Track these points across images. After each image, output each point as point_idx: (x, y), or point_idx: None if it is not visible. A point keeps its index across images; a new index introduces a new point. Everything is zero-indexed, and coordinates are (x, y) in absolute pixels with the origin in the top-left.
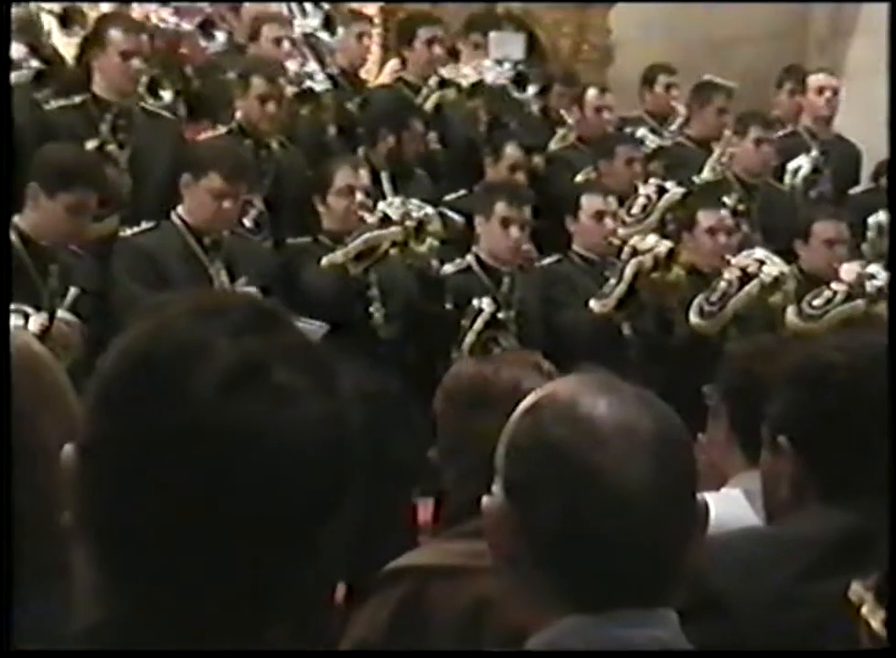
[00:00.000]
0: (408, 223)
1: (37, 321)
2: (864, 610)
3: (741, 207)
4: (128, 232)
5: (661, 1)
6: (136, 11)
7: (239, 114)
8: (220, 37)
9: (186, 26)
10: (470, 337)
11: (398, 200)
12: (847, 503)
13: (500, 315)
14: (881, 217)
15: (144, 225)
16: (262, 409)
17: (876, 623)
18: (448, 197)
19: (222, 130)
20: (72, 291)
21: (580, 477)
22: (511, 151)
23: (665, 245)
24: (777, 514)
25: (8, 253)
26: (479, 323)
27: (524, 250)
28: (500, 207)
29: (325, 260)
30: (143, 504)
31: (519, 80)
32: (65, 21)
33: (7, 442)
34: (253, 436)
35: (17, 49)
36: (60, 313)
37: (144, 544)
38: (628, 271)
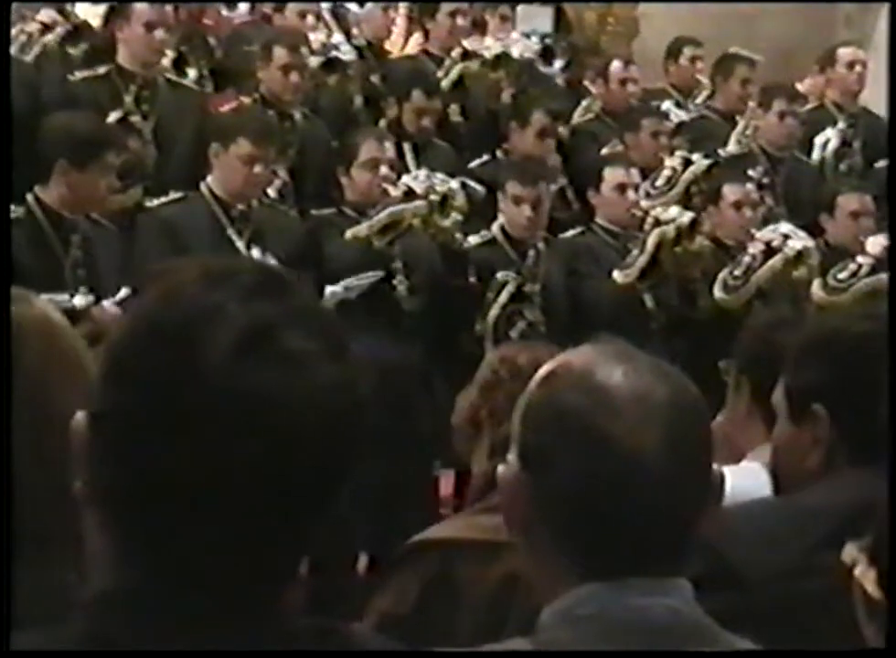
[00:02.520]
0: (432, 197)
1: (83, 300)
2: (857, 571)
3: (765, 181)
4: (154, 203)
5: None
6: None
7: (262, 85)
8: (243, 6)
9: None
10: (494, 310)
11: (422, 173)
12: (875, 468)
13: (525, 288)
14: None
15: (172, 195)
16: (273, 374)
17: (869, 585)
18: (472, 164)
19: (246, 100)
20: (124, 290)
21: (594, 445)
22: (539, 116)
23: (688, 215)
24: (793, 484)
25: (8, 250)
26: (504, 297)
27: (541, 222)
28: (511, 186)
29: (349, 233)
30: (153, 471)
31: (546, 54)
32: None
33: (7, 442)
34: (264, 401)
35: (47, 14)
36: (107, 304)
37: (154, 511)
38: (650, 242)
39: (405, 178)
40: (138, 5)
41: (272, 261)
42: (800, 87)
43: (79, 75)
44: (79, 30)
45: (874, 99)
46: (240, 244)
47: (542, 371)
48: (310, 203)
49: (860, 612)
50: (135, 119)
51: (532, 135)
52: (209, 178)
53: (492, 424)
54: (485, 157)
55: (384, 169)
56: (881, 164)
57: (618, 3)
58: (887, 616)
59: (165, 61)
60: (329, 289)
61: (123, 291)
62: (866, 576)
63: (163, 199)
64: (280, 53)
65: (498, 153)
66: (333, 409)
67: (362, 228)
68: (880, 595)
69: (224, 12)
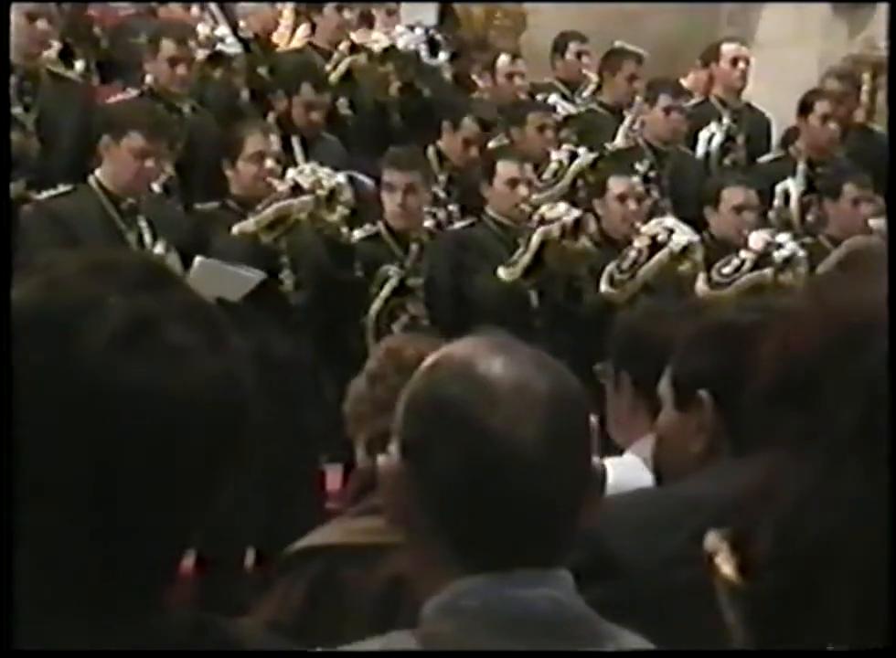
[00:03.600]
0: (319, 192)
1: None
2: (718, 558)
3: (651, 174)
4: (42, 195)
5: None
6: None
7: (149, 77)
8: None
9: None
10: (377, 304)
11: (308, 168)
12: (756, 457)
13: (409, 282)
14: (788, 184)
15: (61, 188)
16: (154, 367)
17: (729, 570)
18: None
19: (133, 93)
20: None
21: (473, 435)
22: (469, 123)
23: (573, 214)
24: (675, 474)
25: (8, 246)
26: (386, 290)
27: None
28: (386, 173)
29: (235, 229)
30: (33, 464)
31: (432, 46)
32: None
33: (8, 441)
34: (145, 393)
35: None
36: None
37: (34, 503)
38: (534, 240)
39: (292, 173)
40: None
41: (174, 255)
42: (684, 82)
43: None
44: None
45: (757, 94)
46: (130, 237)
47: (425, 363)
48: (196, 197)
49: (722, 599)
50: (17, 111)
51: (460, 141)
52: (98, 171)
53: (373, 416)
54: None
55: (270, 162)
56: (764, 158)
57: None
58: (887, 616)
59: (52, 52)
60: (198, 259)
61: None
62: (727, 562)
63: (51, 192)
64: (167, 45)
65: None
66: (215, 402)
67: (249, 224)
68: (739, 580)
69: (110, 3)
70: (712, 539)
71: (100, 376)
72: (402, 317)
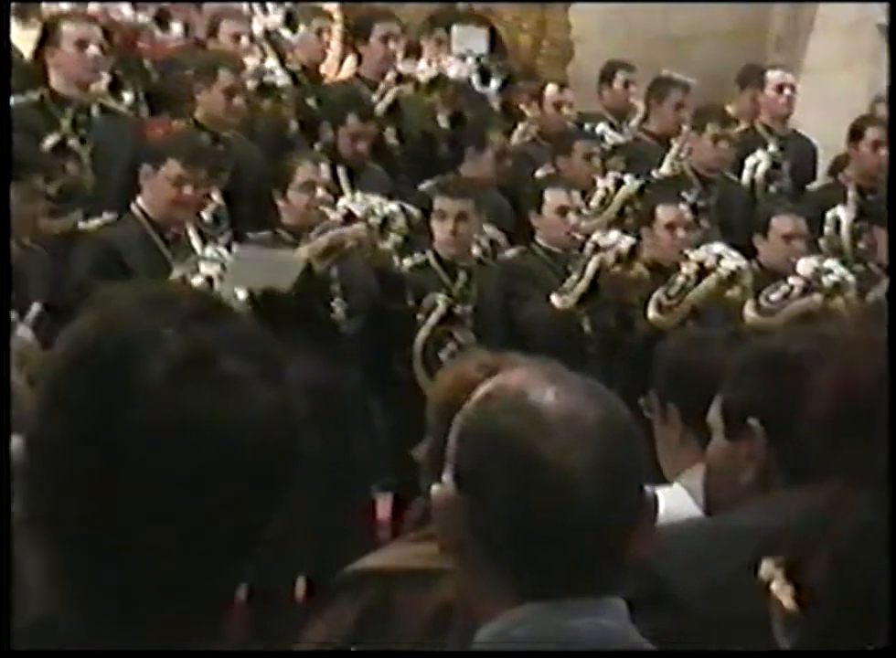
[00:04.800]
0: (372, 220)
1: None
2: (774, 586)
3: (700, 203)
4: (89, 225)
5: (621, 1)
6: (92, 7)
7: (200, 109)
8: (176, 28)
9: (143, 18)
10: (424, 332)
11: (361, 197)
12: (811, 486)
13: (456, 310)
14: (838, 211)
15: (106, 217)
16: (209, 398)
17: (785, 599)
18: (423, 186)
19: (180, 124)
20: (35, 307)
21: (526, 465)
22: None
23: (627, 241)
24: (725, 503)
25: (7, 253)
26: (433, 318)
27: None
28: (437, 201)
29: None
30: (90, 496)
31: (482, 74)
32: (21, 11)
33: (7, 442)
34: (201, 425)
35: None
36: (21, 331)
37: (91, 536)
38: (590, 268)
39: (345, 201)
40: (65, 26)
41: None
42: (730, 108)
43: (12, 101)
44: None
45: (805, 121)
46: (175, 264)
47: (478, 393)
48: (245, 226)
49: (777, 628)
50: (73, 143)
51: (490, 159)
52: (140, 199)
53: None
54: (433, 182)
55: (320, 192)
56: (814, 186)
57: (554, 21)
58: (888, 616)
59: (101, 85)
60: (235, 248)
61: (35, 309)
62: (782, 591)
63: (97, 222)
64: (224, 76)
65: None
66: (269, 432)
67: (302, 251)
68: (795, 609)
69: (157, 33)
70: (767, 567)
71: (157, 408)
72: (449, 345)
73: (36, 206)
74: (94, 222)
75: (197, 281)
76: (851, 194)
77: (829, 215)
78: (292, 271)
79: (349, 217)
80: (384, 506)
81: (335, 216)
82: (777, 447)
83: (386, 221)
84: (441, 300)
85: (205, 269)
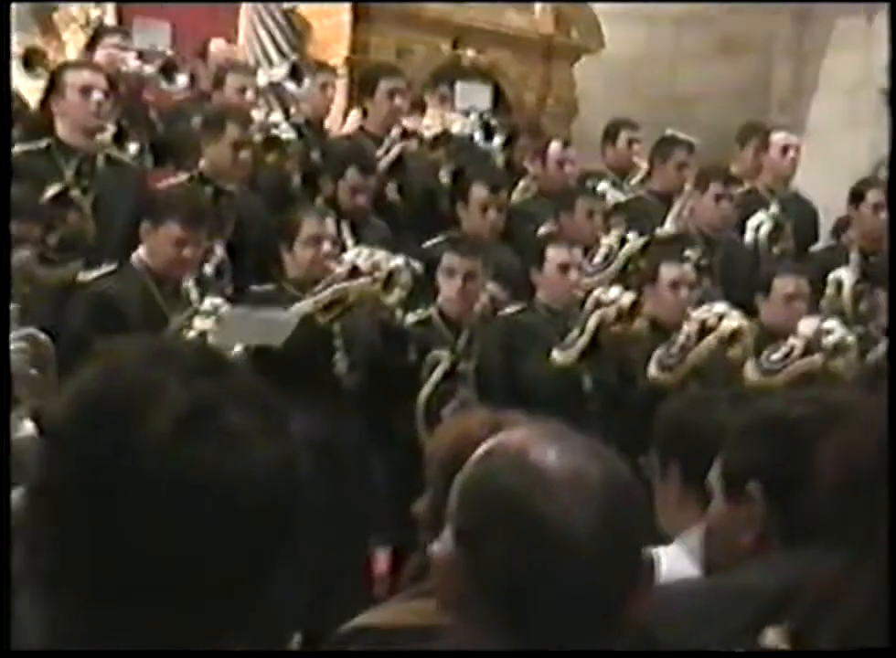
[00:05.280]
0: (377, 274)
1: None
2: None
3: (703, 261)
4: (89, 276)
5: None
6: (99, 56)
7: (204, 161)
8: (182, 79)
9: (149, 69)
10: (427, 389)
11: (366, 251)
12: (810, 551)
13: (459, 367)
14: (840, 273)
15: (105, 268)
16: (213, 452)
17: None
18: (427, 244)
19: (184, 176)
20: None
21: (528, 525)
22: (477, 191)
23: (628, 297)
24: (724, 565)
25: (8, 257)
26: (437, 375)
27: (471, 298)
28: (446, 258)
29: (292, 309)
30: (93, 548)
31: (486, 130)
32: (28, 62)
33: (7, 443)
34: (203, 478)
35: None
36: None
37: (91, 587)
38: (591, 323)
39: (350, 255)
40: (70, 74)
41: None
42: (733, 167)
43: (18, 148)
44: (15, 109)
45: (807, 182)
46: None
47: (480, 450)
48: (248, 279)
49: None
50: (75, 193)
51: (476, 210)
52: (141, 250)
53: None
54: (441, 239)
55: (327, 246)
56: (816, 247)
57: (559, 78)
58: (888, 616)
59: (107, 135)
60: (226, 308)
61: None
62: None
63: (95, 273)
64: (232, 129)
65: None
66: (270, 486)
67: (307, 304)
68: None
69: (163, 85)
70: (772, 636)
71: (160, 461)
72: (452, 402)
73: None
74: (93, 273)
75: (191, 334)
76: (853, 256)
77: (831, 276)
78: (285, 330)
79: (354, 271)
80: (382, 561)
81: (340, 269)
82: (777, 511)
83: (391, 276)
84: (444, 356)
85: (199, 323)
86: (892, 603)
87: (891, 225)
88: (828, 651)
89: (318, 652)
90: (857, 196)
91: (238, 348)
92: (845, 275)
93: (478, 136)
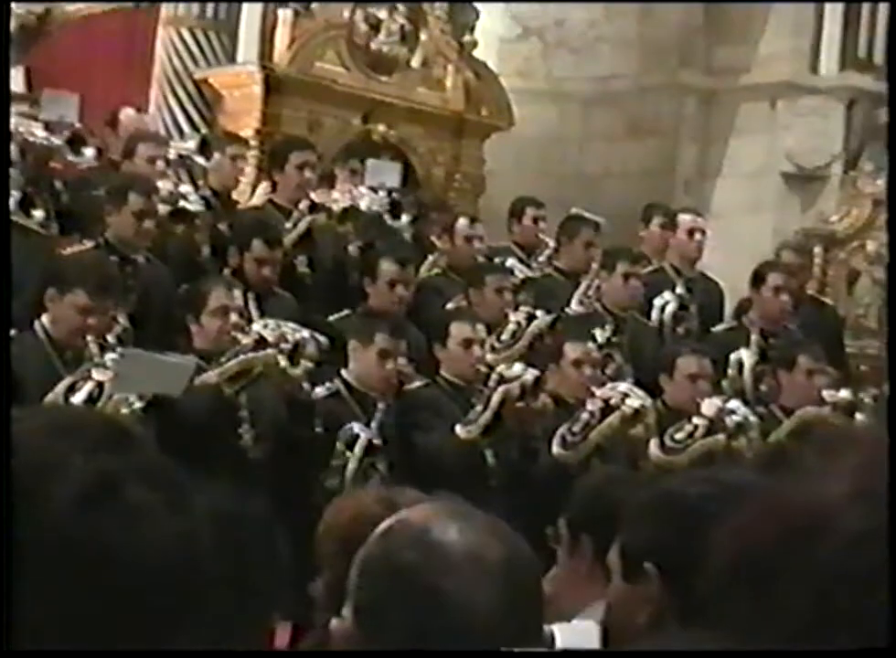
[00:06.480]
0: (283, 345)
1: None
2: None
3: (614, 339)
4: None
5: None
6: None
7: (110, 230)
8: (89, 152)
9: (56, 140)
10: (353, 464)
11: (273, 322)
12: (702, 630)
13: (375, 442)
14: (742, 354)
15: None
16: (116, 527)
17: None
18: (332, 318)
19: (89, 245)
20: None
21: (427, 600)
22: (386, 266)
23: (532, 373)
24: (623, 642)
25: (8, 254)
26: (359, 450)
27: (398, 376)
28: (380, 339)
29: (198, 380)
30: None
31: (393, 208)
32: None
33: (7, 443)
34: (105, 553)
35: None
36: None
37: None
38: (495, 399)
39: (256, 326)
40: None
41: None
42: (642, 246)
43: None
44: None
45: (711, 263)
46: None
47: (381, 527)
48: (152, 349)
49: None
50: None
51: (384, 285)
52: (44, 318)
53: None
54: (346, 312)
55: (234, 316)
56: (719, 328)
57: (468, 155)
58: (888, 616)
59: (11, 202)
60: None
61: None
62: None
63: None
64: (135, 199)
65: (358, 311)
66: (172, 561)
67: (212, 376)
68: None
69: (70, 157)
70: None
71: (62, 536)
72: (375, 476)
73: None
74: None
75: (87, 386)
76: (754, 337)
77: (733, 357)
78: (182, 376)
79: (261, 343)
80: (282, 635)
81: (246, 340)
82: (672, 591)
83: (297, 347)
84: (363, 431)
85: (96, 374)
86: (893, 603)
87: (891, 224)
88: (828, 651)
89: (318, 652)
90: (757, 279)
91: (138, 404)
92: (745, 356)
93: (386, 214)
